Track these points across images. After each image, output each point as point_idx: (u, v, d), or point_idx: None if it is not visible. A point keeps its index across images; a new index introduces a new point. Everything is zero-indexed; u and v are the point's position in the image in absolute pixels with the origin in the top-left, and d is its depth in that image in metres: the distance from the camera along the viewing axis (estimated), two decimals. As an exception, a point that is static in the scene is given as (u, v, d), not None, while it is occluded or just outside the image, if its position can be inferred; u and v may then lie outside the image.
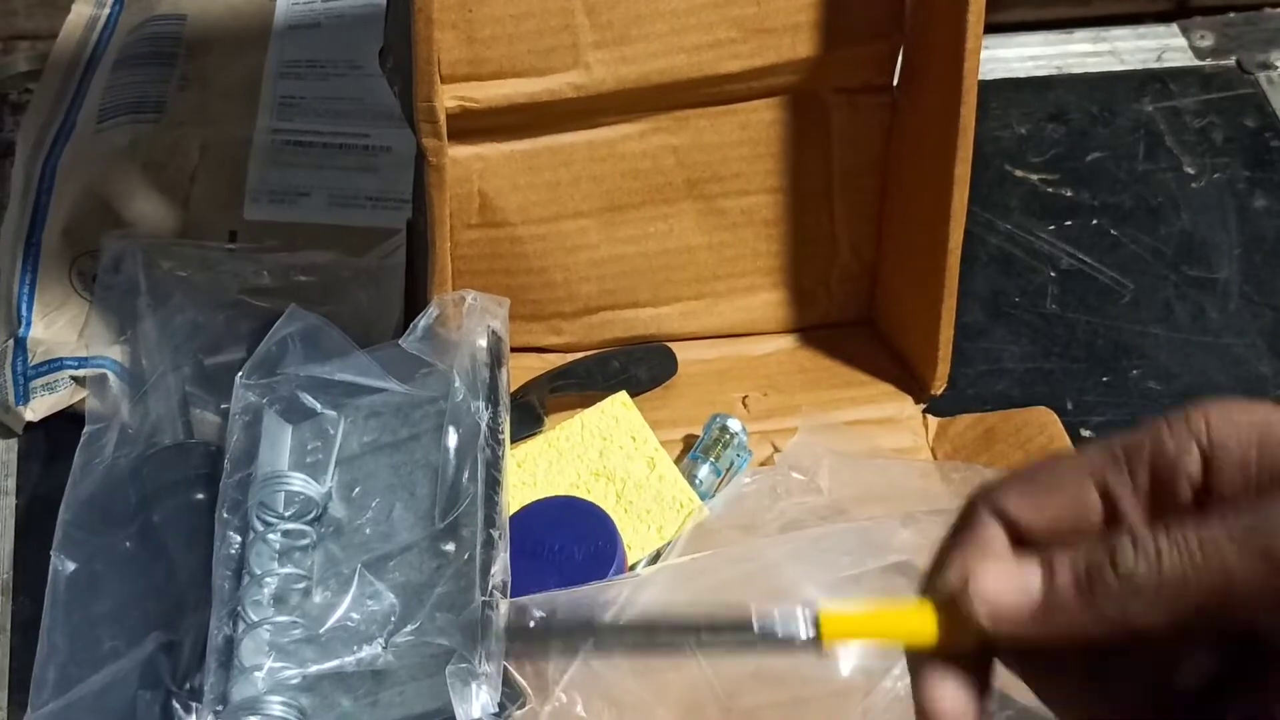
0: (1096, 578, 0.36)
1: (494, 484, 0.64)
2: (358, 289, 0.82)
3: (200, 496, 0.70)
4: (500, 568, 0.62)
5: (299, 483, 0.66)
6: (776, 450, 0.77)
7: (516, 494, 0.71)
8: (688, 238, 0.80)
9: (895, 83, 0.78)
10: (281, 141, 0.90)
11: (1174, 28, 1.06)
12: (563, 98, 0.72)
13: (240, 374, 0.70)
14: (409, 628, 0.61)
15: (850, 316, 0.84)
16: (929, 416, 0.80)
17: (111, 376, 0.77)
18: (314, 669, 0.61)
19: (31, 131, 0.91)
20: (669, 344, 0.82)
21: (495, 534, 0.63)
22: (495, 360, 0.69)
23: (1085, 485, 0.38)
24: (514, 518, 0.67)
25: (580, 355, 0.81)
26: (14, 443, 0.79)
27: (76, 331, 0.81)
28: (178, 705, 0.63)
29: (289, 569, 0.64)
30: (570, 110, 0.73)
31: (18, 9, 1.08)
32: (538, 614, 0.63)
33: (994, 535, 0.39)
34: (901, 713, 0.63)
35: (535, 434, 0.76)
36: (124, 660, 0.65)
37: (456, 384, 0.67)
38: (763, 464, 0.76)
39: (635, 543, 0.70)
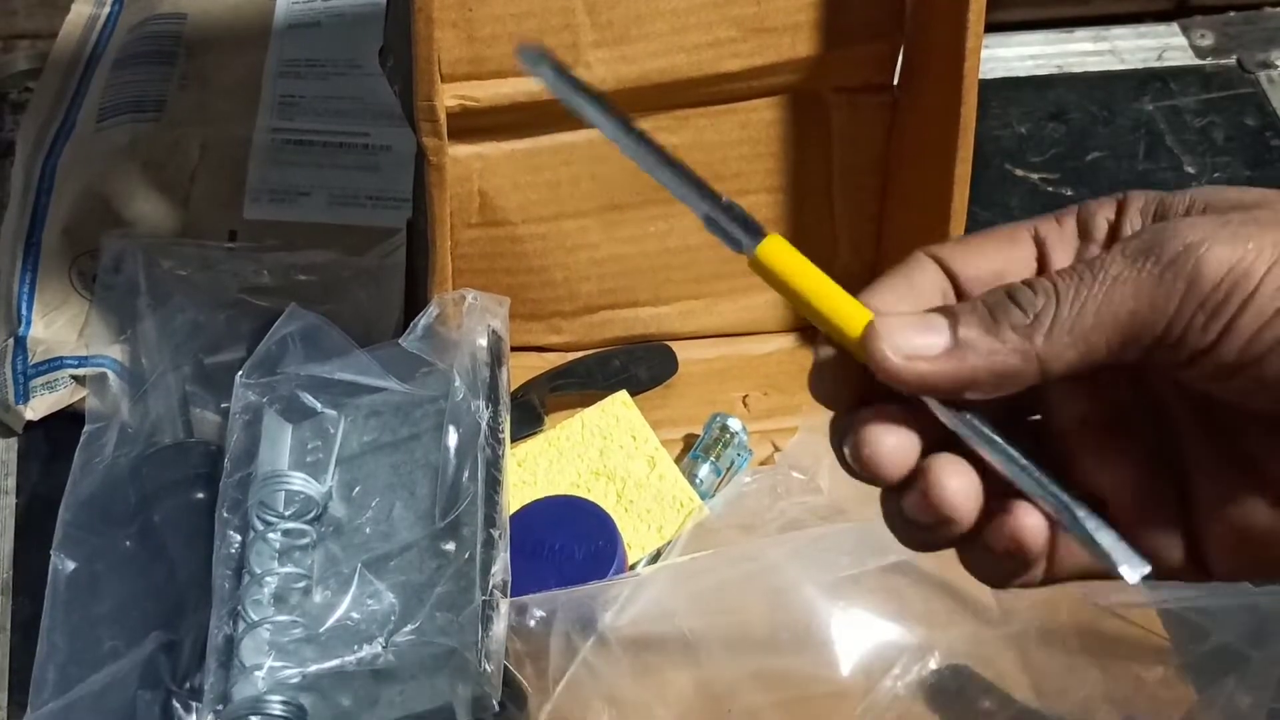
0: (1001, 316, 0.37)
1: (494, 483, 0.64)
2: (358, 288, 0.82)
3: (200, 496, 0.70)
4: (500, 567, 0.62)
5: (299, 482, 0.66)
6: (777, 450, 0.77)
7: (517, 493, 0.71)
8: (688, 237, 0.80)
9: (895, 82, 0.78)
10: (281, 141, 0.90)
11: (1174, 27, 1.06)
12: (563, 97, 0.72)
13: (240, 373, 0.70)
14: (409, 627, 0.61)
15: (851, 316, 0.84)
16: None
17: (111, 376, 0.77)
18: (314, 668, 0.61)
19: (31, 131, 0.91)
20: (669, 343, 0.82)
21: (495, 533, 0.63)
22: (495, 359, 0.69)
23: (1020, 234, 0.41)
24: (514, 517, 0.67)
25: (580, 354, 0.81)
26: (14, 442, 0.79)
27: (76, 331, 0.81)
28: (178, 705, 0.63)
29: (289, 568, 0.64)
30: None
31: (18, 9, 1.08)
32: (538, 613, 0.63)
33: (929, 278, 0.40)
34: (902, 712, 0.63)
35: (535, 433, 0.76)
36: (124, 660, 0.65)
37: (456, 383, 0.67)
38: (763, 463, 0.76)
39: (635, 542, 0.70)
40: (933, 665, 0.64)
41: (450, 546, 0.63)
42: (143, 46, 0.95)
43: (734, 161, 0.78)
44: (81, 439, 0.74)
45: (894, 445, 0.38)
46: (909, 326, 0.38)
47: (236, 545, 0.65)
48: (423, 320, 0.69)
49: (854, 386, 0.39)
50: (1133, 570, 0.37)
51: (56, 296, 0.82)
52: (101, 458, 0.73)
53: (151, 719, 0.63)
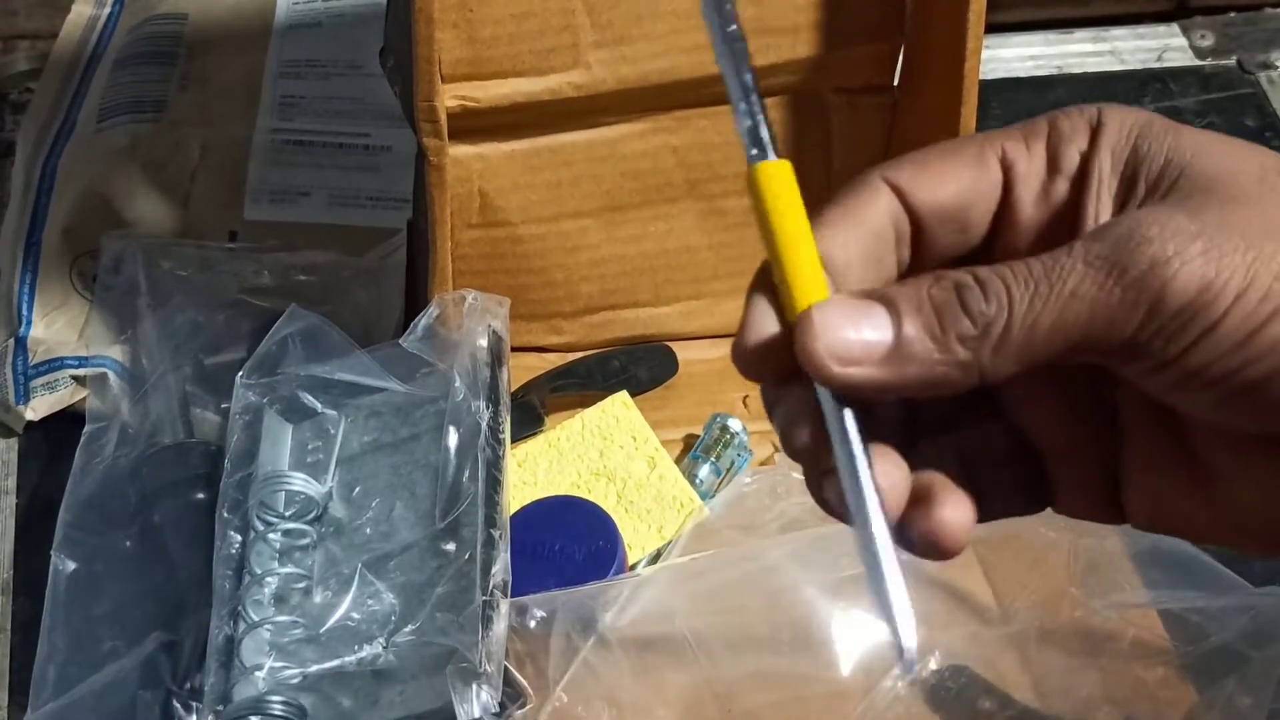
0: (948, 321, 0.35)
1: (494, 484, 0.64)
2: (358, 289, 0.82)
3: (200, 496, 0.70)
4: (501, 567, 0.62)
5: (299, 482, 0.66)
6: (777, 450, 0.77)
7: (517, 494, 0.71)
8: (688, 237, 0.80)
9: (895, 83, 0.78)
10: (282, 141, 0.90)
11: (1174, 28, 1.06)
12: (563, 97, 0.72)
13: (240, 374, 0.70)
14: (409, 627, 0.61)
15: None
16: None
17: (112, 376, 0.77)
18: (314, 669, 0.61)
19: (32, 131, 0.91)
20: (669, 344, 0.82)
21: (496, 534, 0.63)
22: (495, 360, 0.69)
23: (984, 152, 0.37)
24: (514, 517, 0.67)
25: (581, 355, 0.81)
26: (14, 442, 0.79)
27: (77, 331, 0.81)
28: (178, 705, 0.63)
29: (289, 569, 0.64)
30: (571, 110, 0.73)
31: (18, 9, 1.08)
32: (538, 613, 0.63)
33: (881, 208, 0.37)
34: (901, 712, 0.63)
35: (536, 434, 0.76)
36: (124, 660, 0.65)
37: (457, 384, 0.67)
38: (763, 464, 0.76)
39: (636, 542, 0.70)
40: (933, 665, 0.64)
41: (450, 547, 0.63)
42: (143, 47, 0.95)
43: (734, 162, 0.78)
44: (82, 439, 0.74)
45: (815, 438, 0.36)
46: (847, 322, 0.35)
47: (237, 545, 0.65)
48: (423, 321, 0.69)
49: (779, 359, 0.36)
50: (906, 660, 0.34)
51: (57, 297, 0.82)
52: (102, 458, 0.73)
53: (151, 719, 0.63)
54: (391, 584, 0.63)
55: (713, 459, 0.75)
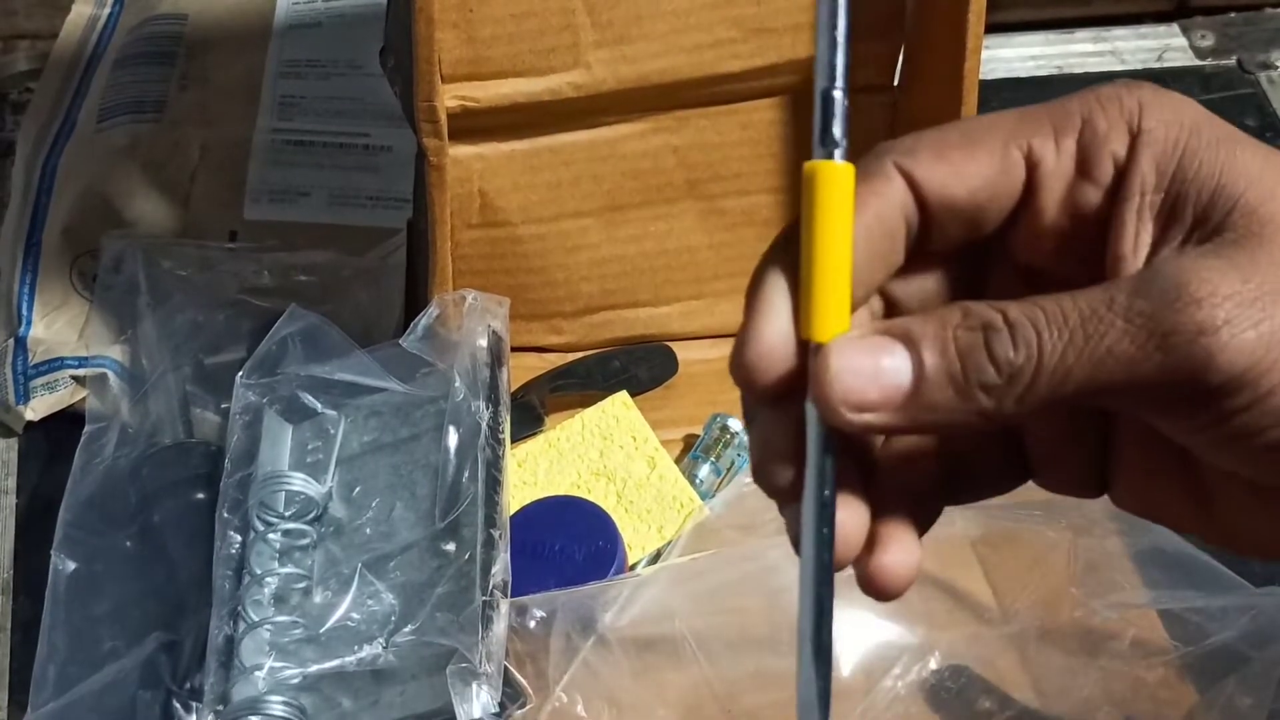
0: (972, 369, 0.32)
1: (494, 484, 0.64)
2: (358, 289, 0.82)
3: (200, 496, 0.70)
4: (500, 567, 0.62)
5: (299, 482, 0.66)
6: (777, 450, 0.77)
7: (517, 494, 0.71)
8: (688, 237, 0.80)
9: (895, 82, 0.78)
10: (282, 141, 0.90)
11: (1174, 28, 1.06)
12: (563, 97, 0.72)
13: (240, 374, 0.70)
14: (409, 627, 0.61)
15: (851, 316, 0.84)
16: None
17: (111, 376, 0.77)
18: (314, 669, 0.61)
19: (31, 131, 0.91)
20: (669, 344, 0.81)
21: (495, 534, 0.63)
22: (495, 360, 0.69)
23: (1008, 147, 0.34)
24: (514, 517, 0.67)
25: (581, 355, 0.81)
26: (14, 442, 0.79)
27: (77, 331, 0.81)
28: (178, 705, 0.63)
29: (289, 569, 0.64)
30: (571, 110, 0.73)
31: (18, 9, 1.08)
32: (538, 613, 0.63)
33: (894, 199, 0.34)
34: (901, 712, 0.63)
35: (536, 434, 0.75)
36: (124, 660, 0.65)
37: (457, 384, 0.67)
38: (763, 464, 0.76)
39: (636, 542, 0.70)
40: (933, 665, 0.64)
41: (450, 547, 0.63)
42: (143, 47, 0.95)
43: (734, 162, 0.78)
44: (81, 439, 0.73)
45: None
46: (866, 367, 0.32)
47: (237, 546, 0.65)
48: (423, 321, 0.69)
49: (780, 374, 0.34)
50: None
51: (57, 297, 0.82)
52: (102, 458, 0.72)
53: (151, 719, 0.63)
54: (391, 584, 0.63)
55: (713, 459, 0.75)
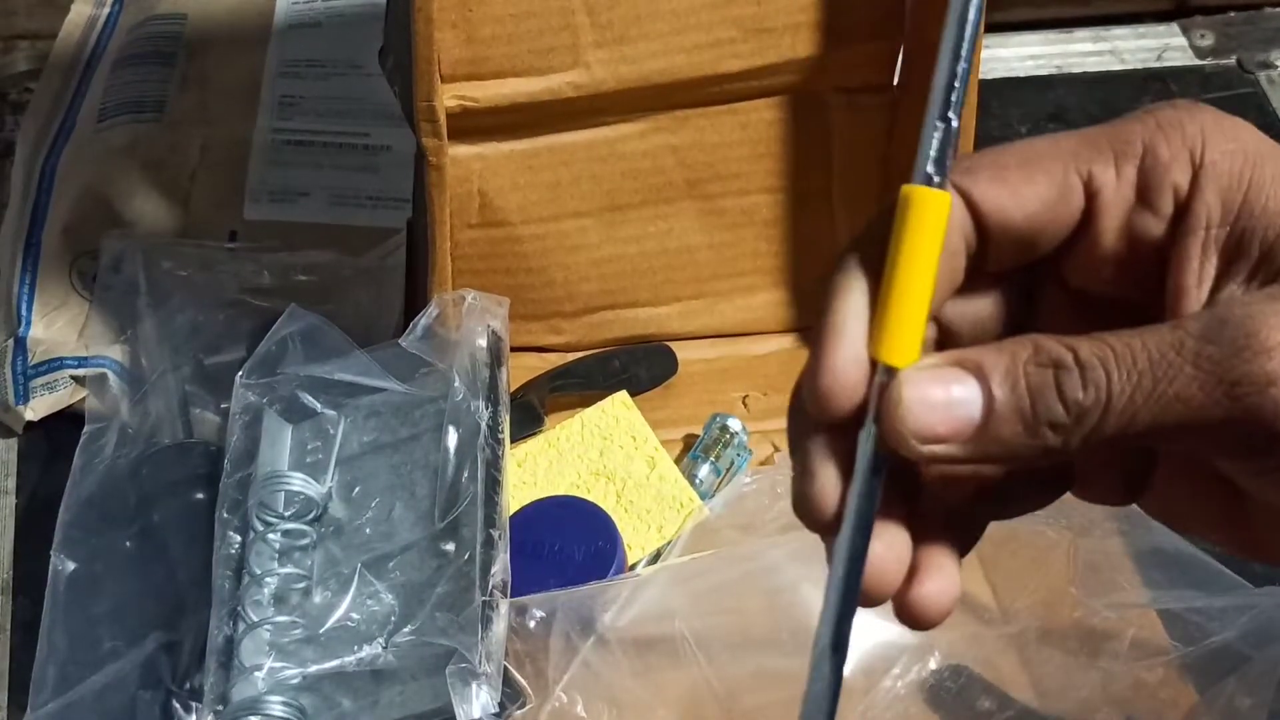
0: (1041, 407, 0.32)
1: (494, 484, 0.64)
2: (358, 289, 0.82)
3: (200, 496, 0.70)
4: (500, 567, 0.62)
5: (299, 483, 0.66)
6: (777, 450, 0.77)
7: (516, 494, 0.71)
8: (688, 237, 0.80)
9: (895, 82, 0.78)
10: (281, 141, 0.90)
11: (1174, 27, 1.06)
12: (563, 97, 0.72)
13: (240, 374, 0.70)
14: (409, 628, 0.61)
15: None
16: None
17: (111, 376, 0.77)
18: (314, 669, 0.61)
19: (31, 131, 0.91)
20: (669, 344, 0.81)
21: (495, 534, 0.63)
22: (495, 360, 0.69)
23: (1068, 172, 0.34)
24: (514, 517, 0.67)
25: (580, 355, 0.81)
26: (14, 442, 0.79)
27: (76, 331, 0.81)
28: (178, 705, 0.63)
29: (289, 569, 0.64)
30: (570, 110, 0.73)
31: (18, 9, 1.08)
32: (538, 613, 0.63)
33: (954, 223, 0.34)
34: (901, 712, 0.63)
35: (535, 434, 0.75)
36: (124, 660, 0.65)
37: (456, 384, 0.67)
38: (763, 464, 0.76)
39: (635, 542, 0.70)
40: (933, 665, 0.64)
41: (450, 547, 0.63)
42: (143, 47, 0.95)
43: (734, 162, 0.78)
44: (81, 439, 0.73)
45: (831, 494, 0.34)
46: (938, 397, 0.32)
47: (236, 546, 0.65)
48: (422, 321, 0.69)
49: (850, 403, 0.34)
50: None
51: (56, 297, 0.82)
52: (101, 458, 0.72)
53: (151, 719, 0.63)
54: (391, 584, 0.63)
55: (712, 459, 0.75)
